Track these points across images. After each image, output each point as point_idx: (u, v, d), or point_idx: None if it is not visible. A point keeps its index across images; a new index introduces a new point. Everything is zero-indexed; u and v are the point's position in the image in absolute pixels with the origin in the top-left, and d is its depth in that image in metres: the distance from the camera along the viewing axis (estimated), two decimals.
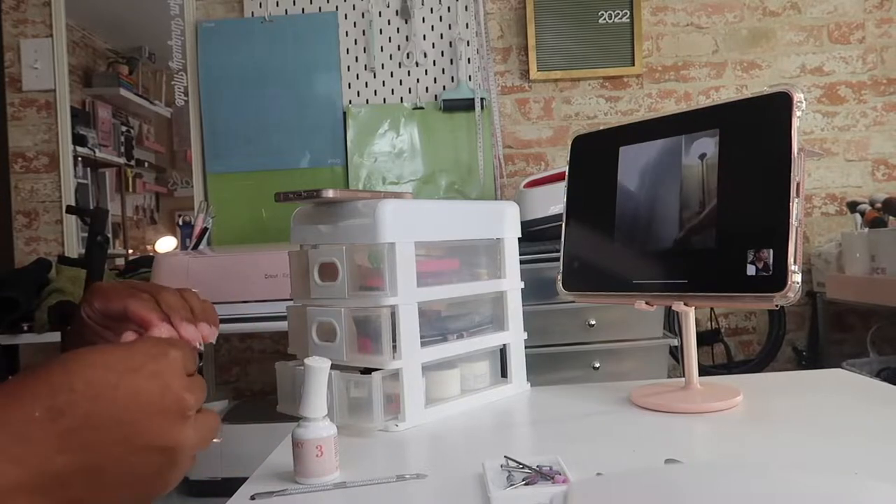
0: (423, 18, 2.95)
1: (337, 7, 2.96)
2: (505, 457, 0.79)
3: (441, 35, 2.96)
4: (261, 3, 2.95)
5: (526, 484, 0.73)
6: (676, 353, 2.59)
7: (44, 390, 0.43)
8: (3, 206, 2.95)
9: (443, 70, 2.95)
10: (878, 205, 2.56)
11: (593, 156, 1.21)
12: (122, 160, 2.99)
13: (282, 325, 1.32)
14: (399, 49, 2.96)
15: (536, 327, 2.10)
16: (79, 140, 2.95)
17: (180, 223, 2.97)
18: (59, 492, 0.42)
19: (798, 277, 0.90)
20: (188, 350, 0.50)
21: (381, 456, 0.92)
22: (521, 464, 0.77)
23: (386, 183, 2.93)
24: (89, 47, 3.00)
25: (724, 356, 2.92)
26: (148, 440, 0.45)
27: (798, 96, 0.93)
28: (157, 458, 0.45)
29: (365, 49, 2.96)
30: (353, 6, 2.96)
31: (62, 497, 0.42)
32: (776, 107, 0.95)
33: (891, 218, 2.50)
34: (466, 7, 2.94)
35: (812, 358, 2.88)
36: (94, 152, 2.97)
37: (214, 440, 0.50)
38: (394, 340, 1.02)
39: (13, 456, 0.41)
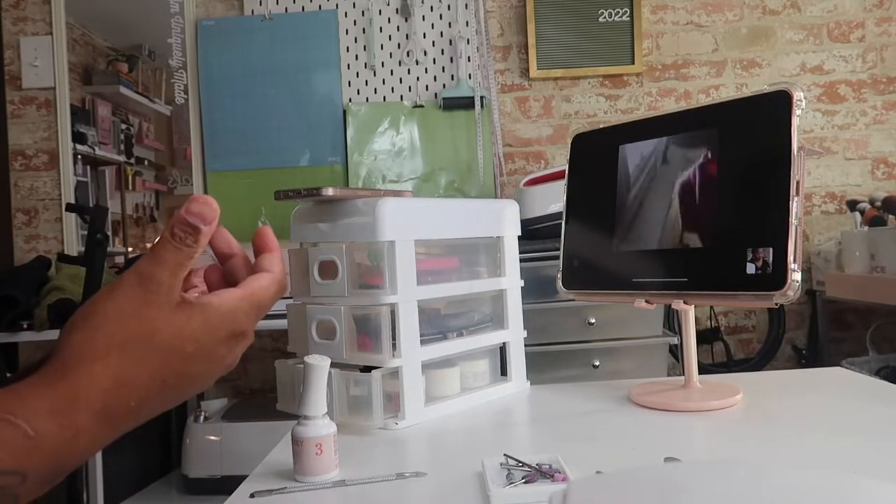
0: (423, 16, 2.95)
1: (337, 5, 2.96)
2: (504, 455, 0.79)
3: (441, 33, 2.95)
4: (261, 2, 2.95)
5: (525, 482, 0.73)
6: (676, 352, 2.59)
7: (142, 380, 0.49)
8: (3, 203, 2.95)
9: (443, 68, 2.95)
10: (878, 203, 2.56)
11: (593, 154, 1.21)
12: (121, 158, 2.99)
13: (281, 324, 1.32)
14: (399, 47, 2.96)
15: (536, 325, 2.11)
16: (78, 138, 2.95)
17: None
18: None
19: (797, 276, 0.90)
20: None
21: (381, 454, 0.92)
22: (520, 462, 0.77)
23: (386, 181, 2.93)
24: (89, 45, 2.99)
25: (724, 355, 2.92)
26: (196, 391, 0.53)
27: (798, 95, 0.93)
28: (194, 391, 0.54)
29: (365, 47, 2.96)
30: (354, 4, 2.96)
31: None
32: (776, 105, 0.95)
33: (890, 216, 2.50)
34: (466, 5, 2.94)
35: (811, 356, 2.88)
36: (94, 150, 2.97)
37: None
38: (393, 338, 1.02)
39: (94, 434, 0.47)
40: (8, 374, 2.33)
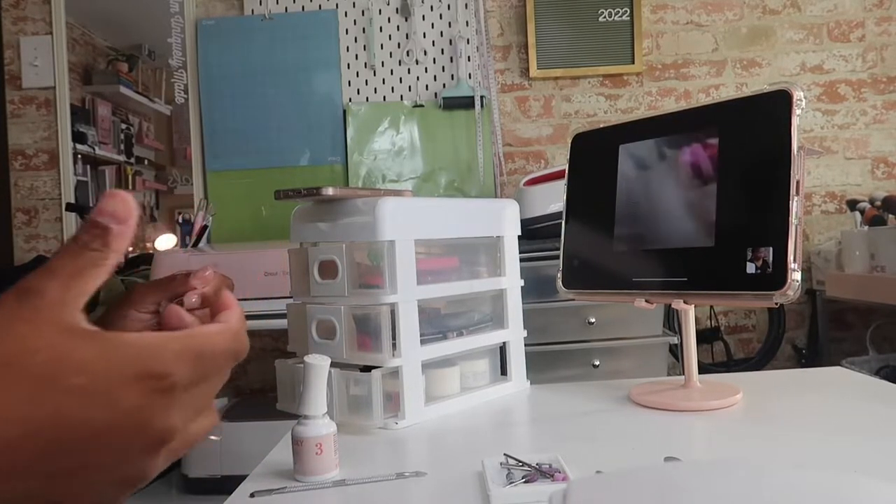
0: (423, 16, 2.95)
1: (337, 5, 2.96)
2: (504, 455, 0.79)
3: (441, 33, 2.95)
4: (261, 1, 2.94)
5: (525, 482, 0.73)
6: (676, 352, 2.59)
7: (44, 424, 0.36)
8: (3, 203, 2.95)
9: (443, 68, 2.95)
10: (878, 203, 2.56)
11: (593, 154, 1.21)
12: (121, 158, 2.99)
13: (281, 323, 1.32)
14: (399, 47, 2.96)
15: (536, 325, 2.11)
16: (78, 138, 2.95)
17: (180, 221, 2.97)
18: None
19: (797, 275, 0.90)
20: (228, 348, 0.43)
21: (381, 454, 0.92)
22: (520, 462, 0.77)
23: (385, 181, 2.93)
24: (89, 45, 2.99)
25: (724, 354, 2.92)
26: (109, 467, 0.38)
27: (798, 94, 0.93)
28: (124, 488, 0.40)
29: (365, 47, 2.96)
30: (353, 4, 2.96)
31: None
32: (776, 105, 0.95)
33: (890, 216, 2.50)
34: (466, 5, 2.94)
35: (811, 356, 2.88)
36: (94, 150, 2.97)
37: (212, 437, 0.46)
38: (393, 338, 1.02)
39: None
40: None
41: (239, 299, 0.53)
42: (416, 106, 2.94)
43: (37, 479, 0.36)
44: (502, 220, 1.22)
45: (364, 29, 2.96)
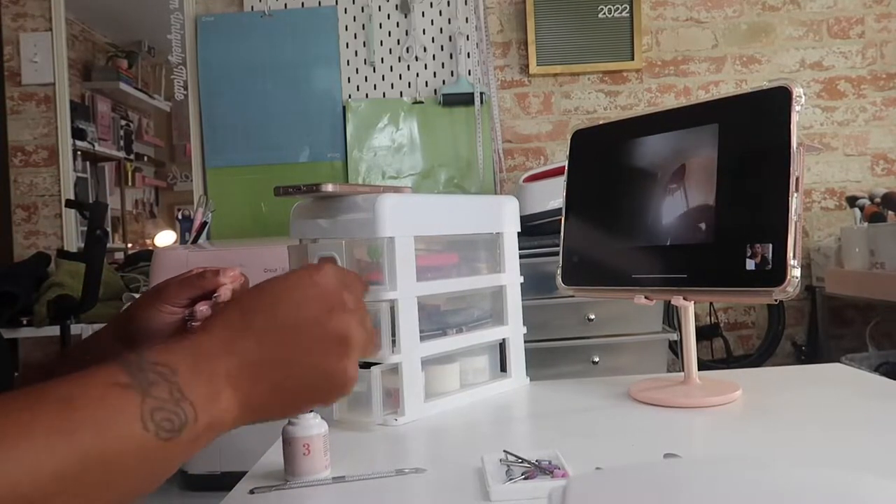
0: (423, 13, 2.95)
1: (336, 1, 2.95)
2: (504, 451, 0.79)
3: (441, 30, 2.95)
4: None
5: (525, 478, 0.73)
6: (675, 348, 2.59)
7: (235, 314, 0.53)
8: (3, 199, 2.95)
9: (442, 64, 2.95)
10: (878, 199, 2.56)
11: (593, 150, 1.20)
12: (121, 154, 2.99)
13: None
14: (398, 43, 2.96)
15: (536, 322, 2.10)
16: (78, 134, 2.95)
17: (180, 217, 2.97)
18: (252, 385, 0.52)
19: (797, 272, 0.90)
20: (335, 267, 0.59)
21: (381, 450, 0.93)
22: (520, 458, 0.77)
23: (385, 177, 2.93)
24: (89, 41, 2.99)
25: (724, 351, 2.92)
26: (325, 330, 0.53)
27: (797, 91, 0.93)
28: (335, 348, 0.53)
29: (364, 43, 2.96)
30: (353, 0, 2.95)
31: (253, 391, 0.53)
32: (775, 101, 0.95)
33: (890, 213, 2.50)
34: (466, 1, 2.93)
35: (811, 352, 2.89)
36: (94, 146, 2.97)
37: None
38: (393, 335, 1.02)
39: (231, 348, 0.51)
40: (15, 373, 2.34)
41: None
42: (415, 102, 2.94)
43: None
44: (502, 217, 1.22)
45: (364, 25, 2.96)
